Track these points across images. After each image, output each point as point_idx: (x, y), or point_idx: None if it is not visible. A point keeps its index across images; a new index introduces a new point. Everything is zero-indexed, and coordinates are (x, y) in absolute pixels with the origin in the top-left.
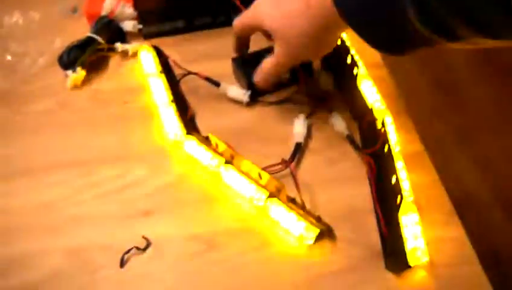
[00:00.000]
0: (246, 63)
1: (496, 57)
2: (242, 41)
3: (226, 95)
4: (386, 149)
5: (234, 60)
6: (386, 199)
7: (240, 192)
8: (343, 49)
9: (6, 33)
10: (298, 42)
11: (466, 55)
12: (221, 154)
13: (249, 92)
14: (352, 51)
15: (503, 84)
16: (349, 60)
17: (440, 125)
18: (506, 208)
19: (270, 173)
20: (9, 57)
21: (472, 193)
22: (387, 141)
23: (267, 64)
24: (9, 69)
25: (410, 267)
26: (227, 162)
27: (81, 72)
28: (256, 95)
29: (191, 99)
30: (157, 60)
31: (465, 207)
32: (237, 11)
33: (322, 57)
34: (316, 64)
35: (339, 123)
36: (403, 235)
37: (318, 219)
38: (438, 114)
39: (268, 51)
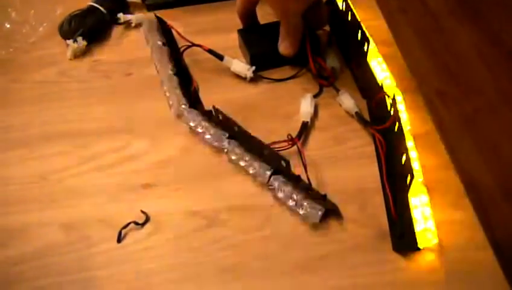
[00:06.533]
0: (251, 35)
1: (502, 44)
2: (243, 14)
3: (230, 69)
4: (396, 128)
5: (240, 31)
6: (395, 179)
7: (243, 168)
8: (353, 25)
9: (5, 0)
10: None
11: (473, 43)
12: (224, 129)
13: (252, 68)
14: (363, 27)
15: (509, 70)
16: (359, 37)
17: (445, 109)
18: (508, 195)
19: (276, 150)
20: (8, 25)
21: (475, 179)
22: (398, 119)
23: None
24: (8, 37)
25: (419, 249)
26: (230, 136)
27: (82, 42)
28: (260, 70)
29: (194, 72)
30: (160, 31)
31: (467, 193)
32: None
33: (307, 3)
34: (324, 41)
35: (348, 101)
36: (412, 216)
37: (324, 198)
38: (443, 99)
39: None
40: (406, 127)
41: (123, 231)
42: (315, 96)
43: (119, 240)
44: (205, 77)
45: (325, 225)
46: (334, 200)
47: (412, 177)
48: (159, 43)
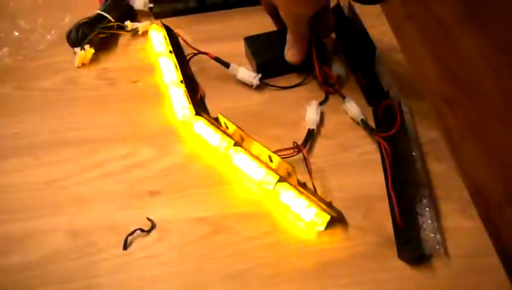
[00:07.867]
0: (257, 43)
1: (509, 51)
2: (272, 16)
3: (236, 77)
4: (402, 135)
5: (246, 39)
6: (400, 186)
7: (249, 175)
8: (359, 33)
9: (14, 8)
10: None
11: (480, 50)
12: (230, 136)
13: (259, 76)
14: (369, 35)
15: None
16: (365, 44)
17: (451, 117)
18: None
19: (282, 157)
20: (16, 33)
21: (482, 185)
22: (404, 127)
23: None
24: (16, 45)
25: (424, 256)
26: (236, 144)
27: (89, 50)
28: (266, 77)
29: (200, 80)
30: (167, 39)
31: (473, 200)
32: None
33: (316, 8)
34: (329, 49)
35: (353, 108)
36: (418, 224)
37: (330, 205)
38: (448, 105)
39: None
40: (412, 133)
41: (129, 238)
42: (321, 103)
43: (125, 247)
44: (211, 85)
45: (331, 232)
46: (339, 208)
47: (417, 185)
48: (166, 50)
